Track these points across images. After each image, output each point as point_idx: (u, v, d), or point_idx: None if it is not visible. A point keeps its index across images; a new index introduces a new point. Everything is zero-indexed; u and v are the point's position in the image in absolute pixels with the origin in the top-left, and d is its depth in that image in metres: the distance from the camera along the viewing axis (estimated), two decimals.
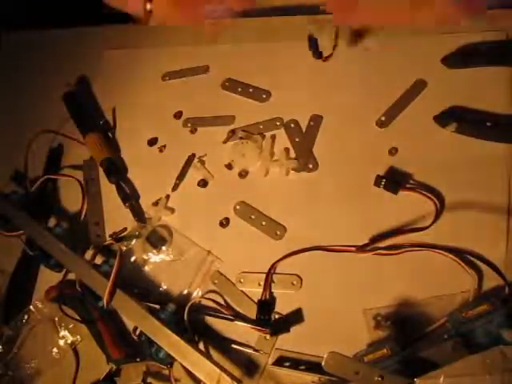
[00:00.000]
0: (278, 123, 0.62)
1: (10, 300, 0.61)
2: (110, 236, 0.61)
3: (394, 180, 0.54)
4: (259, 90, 0.66)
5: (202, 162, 0.62)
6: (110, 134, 0.68)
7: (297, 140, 0.61)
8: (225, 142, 0.63)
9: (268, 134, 0.62)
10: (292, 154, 0.60)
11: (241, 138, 0.62)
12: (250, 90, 0.66)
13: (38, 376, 0.57)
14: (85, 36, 0.79)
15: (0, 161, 0.71)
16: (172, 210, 0.61)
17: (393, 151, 0.57)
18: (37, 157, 0.67)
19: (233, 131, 0.63)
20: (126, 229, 0.61)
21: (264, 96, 0.65)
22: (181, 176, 0.62)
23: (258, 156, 0.60)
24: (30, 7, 0.80)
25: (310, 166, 0.59)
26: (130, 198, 0.62)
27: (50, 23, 0.78)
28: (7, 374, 0.57)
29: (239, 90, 0.67)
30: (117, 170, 0.64)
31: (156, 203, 0.61)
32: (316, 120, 0.61)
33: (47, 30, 0.80)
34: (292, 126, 0.62)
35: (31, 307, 0.59)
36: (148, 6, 0.50)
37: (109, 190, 0.64)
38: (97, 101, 0.73)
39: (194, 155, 0.63)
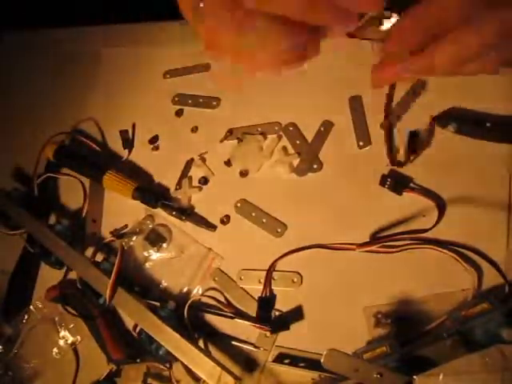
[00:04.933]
0: (276, 128, 0.62)
1: (10, 300, 0.61)
2: (111, 233, 0.61)
3: (399, 180, 0.55)
4: None
5: (203, 160, 0.63)
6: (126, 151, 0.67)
7: (298, 142, 0.60)
8: (221, 141, 0.63)
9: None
10: (290, 150, 0.60)
11: (238, 138, 0.62)
12: None
13: (37, 376, 0.57)
14: (85, 35, 0.79)
15: (1, 159, 0.72)
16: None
17: None
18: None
19: (230, 131, 0.63)
20: (126, 226, 0.61)
21: None
22: (181, 181, 0.62)
23: (260, 155, 0.60)
24: (29, 7, 0.81)
25: (315, 166, 0.58)
26: (184, 210, 0.59)
27: (49, 23, 0.79)
28: (7, 373, 0.57)
29: None
30: (151, 195, 0.60)
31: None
32: (326, 126, 0.60)
33: (47, 30, 0.80)
34: (290, 129, 0.61)
35: (31, 307, 0.59)
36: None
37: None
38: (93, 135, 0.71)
39: (192, 159, 0.63)
